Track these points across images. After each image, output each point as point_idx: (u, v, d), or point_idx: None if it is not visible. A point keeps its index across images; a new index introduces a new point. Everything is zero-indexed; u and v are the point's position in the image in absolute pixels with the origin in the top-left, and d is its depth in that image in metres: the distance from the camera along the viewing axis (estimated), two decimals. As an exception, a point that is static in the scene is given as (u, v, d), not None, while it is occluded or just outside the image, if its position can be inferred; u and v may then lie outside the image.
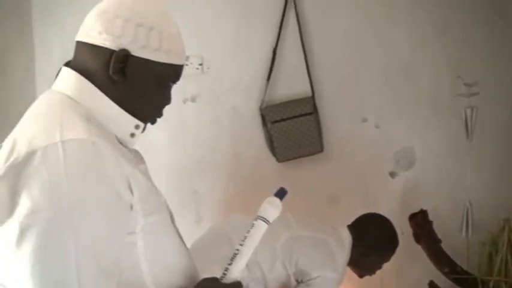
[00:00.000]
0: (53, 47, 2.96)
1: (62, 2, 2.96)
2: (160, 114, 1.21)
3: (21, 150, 0.97)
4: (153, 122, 1.21)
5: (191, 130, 2.97)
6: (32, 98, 3.06)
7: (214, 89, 2.94)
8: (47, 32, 2.99)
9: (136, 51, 1.08)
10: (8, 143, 1.04)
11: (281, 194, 1.33)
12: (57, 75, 1.16)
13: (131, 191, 1.03)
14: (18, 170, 0.95)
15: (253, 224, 1.26)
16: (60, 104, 1.08)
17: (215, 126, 2.95)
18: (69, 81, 1.11)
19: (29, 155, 0.96)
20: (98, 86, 1.10)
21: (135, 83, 1.11)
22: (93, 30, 1.09)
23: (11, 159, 0.97)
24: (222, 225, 2.42)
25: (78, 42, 1.12)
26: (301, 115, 2.74)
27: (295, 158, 2.82)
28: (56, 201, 0.93)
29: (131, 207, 1.03)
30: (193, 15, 2.85)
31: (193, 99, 2.93)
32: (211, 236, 2.35)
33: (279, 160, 2.83)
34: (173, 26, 1.14)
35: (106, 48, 1.08)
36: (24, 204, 0.92)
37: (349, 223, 2.48)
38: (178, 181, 2.94)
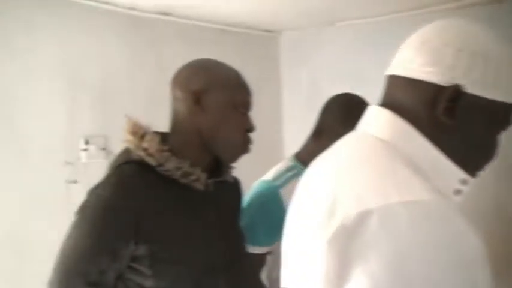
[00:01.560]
0: (299, 85, 3.14)
1: (310, 44, 3.13)
2: (484, 168, 0.95)
3: (349, 208, 0.77)
4: (475, 176, 0.96)
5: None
6: (278, 134, 3.44)
7: None
8: (293, 71, 3.19)
9: (471, 87, 0.85)
10: (321, 194, 0.86)
11: None
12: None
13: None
14: (349, 234, 0.74)
15: None
16: (381, 151, 0.88)
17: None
18: (382, 121, 0.92)
19: (362, 217, 0.74)
20: (418, 129, 0.88)
21: (466, 126, 0.87)
22: (413, 62, 0.89)
23: (338, 218, 0.77)
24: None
25: (391, 77, 0.95)
26: None
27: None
28: (403, 281, 0.71)
29: None
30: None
31: None
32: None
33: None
34: (507, 57, 0.90)
35: (431, 83, 0.87)
36: (359, 280, 0.72)
37: None
38: None
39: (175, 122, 1.32)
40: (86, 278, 1.16)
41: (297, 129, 3.23)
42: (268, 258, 1.69)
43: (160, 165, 1.23)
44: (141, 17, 2.57)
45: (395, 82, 0.93)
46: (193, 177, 1.26)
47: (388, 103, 0.93)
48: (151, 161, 1.23)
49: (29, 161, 2.19)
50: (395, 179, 0.79)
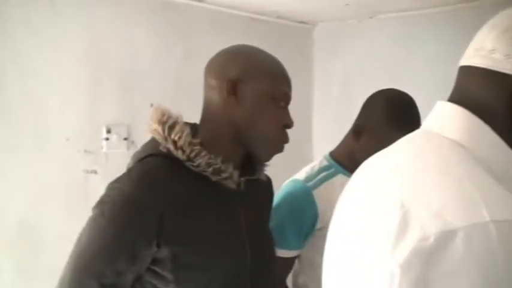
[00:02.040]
0: (332, 80, 3.01)
1: (346, 37, 3.01)
2: None
3: (427, 226, 0.64)
4: None
5: None
6: (307, 131, 3.34)
7: None
8: (327, 65, 3.07)
9: None
10: (384, 205, 0.73)
11: None
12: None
13: None
14: (428, 258, 0.63)
15: None
16: (459, 157, 0.75)
17: None
18: (454, 121, 0.79)
19: (445, 237, 0.62)
20: (495, 130, 0.76)
21: None
22: (494, 52, 0.77)
23: (413, 238, 0.65)
24: None
25: (464, 68, 0.82)
26: None
27: None
28: None
29: None
30: None
31: None
32: None
33: None
34: None
35: None
36: None
37: None
38: None
39: (207, 113, 1.20)
40: (100, 279, 1.06)
41: (327, 126, 3.15)
42: (296, 262, 1.58)
43: (190, 159, 1.12)
44: (170, 2, 2.46)
45: (471, 74, 0.80)
46: (225, 175, 1.15)
47: (460, 99, 0.80)
48: (180, 154, 1.12)
49: (47, 148, 2.09)
50: (481, 191, 0.66)
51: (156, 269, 1.10)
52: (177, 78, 2.47)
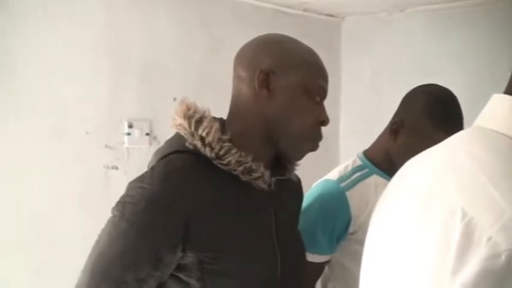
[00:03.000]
0: (360, 76, 2.91)
1: (376, 31, 2.91)
2: None
3: (497, 242, 0.56)
4: None
5: None
6: (334, 128, 3.25)
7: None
8: (355, 61, 2.97)
9: None
10: (439, 213, 0.64)
11: None
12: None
13: None
14: (499, 279, 0.55)
15: None
16: None
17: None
18: (508, 115, 0.71)
19: None
20: None
21: None
22: None
23: (480, 254, 0.56)
24: None
25: None
26: None
27: None
28: None
29: None
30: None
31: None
32: None
33: None
34: None
35: None
36: None
37: None
38: None
39: (236, 107, 1.12)
40: (120, 286, 0.98)
41: (355, 123, 3.05)
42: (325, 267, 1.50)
43: (219, 157, 1.03)
44: (193, -6, 2.38)
45: None
46: (256, 175, 1.06)
47: None
48: (208, 152, 1.03)
49: (66, 142, 2.03)
50: None
51: (181, 275, 1.02)
52: (200, 71, 2.39)
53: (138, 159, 2.14)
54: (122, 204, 1.00)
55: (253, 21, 2.57)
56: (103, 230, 1.01)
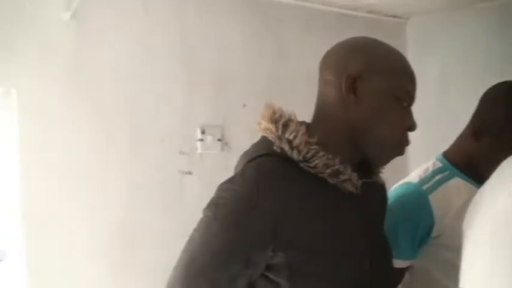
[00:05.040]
0: (428, 77, 2.86)
1: (443, 31, 2.86)
2: None
3: None
4: None
5: None
6: None
7: None
8: (421, 62, 2.92)
9: None
10: None
11: None
12: None
13: None
14: None
15: None
16: None
17: None
18: None
19: None
20: None
21: None
22: None
23: None
24: None
25: None
26: None
27: None
28: None
29: None
30: None
31: None
32: None
33: None
34: None
35: None
36: None
37: None
38: None
39: (322, 111, 1.12)
40: (213, 284, 1.01)
41: (424, 125, 2.96)
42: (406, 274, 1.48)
43: (306, 160, 1.04)
44: (259, 1, 2.41)
45: None
46: (343, 177, 1.06)
47: None
48: (295, 155, 1.04)
49: (143, 149, 2.11)
50: None
51: (271, 275, 1.04)
52: (269, 78, 2.42)
53: (210, 164, 2.19)
54: (214, 205, 1.03)
55: (318, 25, 2.58)
56: (195, 230, 1.04)
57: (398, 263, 1.39)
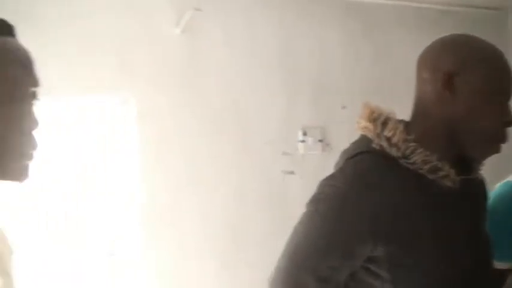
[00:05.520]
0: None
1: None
2: None
3: None
4: None
5: None
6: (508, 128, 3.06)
7: None
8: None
9: None
10: None
11: None
12: None
13: None
14: None
15: None
16: None
17: None
18: None
19: None
20: None
21: None
22: None
23: None
24: None
25: None
26: None
27: None
28: None
29: None
30: None
31: None
32: None
33: None
34: None
35: None
36: None
37: None
38: None
39: (420, 109, 1.14)
40: (316, 273, 1.08)
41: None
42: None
43: (405, 157, 1.08)
44: (356, 3, 2.46)
45: None
46: (442, 173, 1.08)
47: None
48: (394, 152, 1.08)
49: (247, 150, 2.24)
50: None
51: (371, 267, 1.08)
52: (367, 79, 2.46)
53: (312, 164, 2.28)
54: (316, 200, 1.08)
55: (415, 24, 2.57)
56: (299, 223, 1.10)
57: (500, 266, 1.38)
